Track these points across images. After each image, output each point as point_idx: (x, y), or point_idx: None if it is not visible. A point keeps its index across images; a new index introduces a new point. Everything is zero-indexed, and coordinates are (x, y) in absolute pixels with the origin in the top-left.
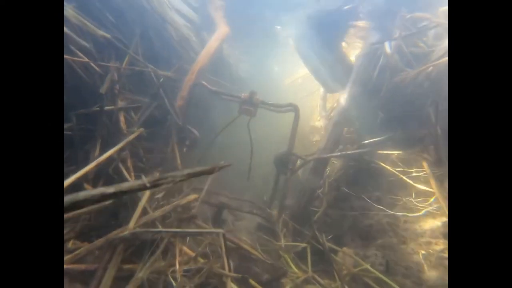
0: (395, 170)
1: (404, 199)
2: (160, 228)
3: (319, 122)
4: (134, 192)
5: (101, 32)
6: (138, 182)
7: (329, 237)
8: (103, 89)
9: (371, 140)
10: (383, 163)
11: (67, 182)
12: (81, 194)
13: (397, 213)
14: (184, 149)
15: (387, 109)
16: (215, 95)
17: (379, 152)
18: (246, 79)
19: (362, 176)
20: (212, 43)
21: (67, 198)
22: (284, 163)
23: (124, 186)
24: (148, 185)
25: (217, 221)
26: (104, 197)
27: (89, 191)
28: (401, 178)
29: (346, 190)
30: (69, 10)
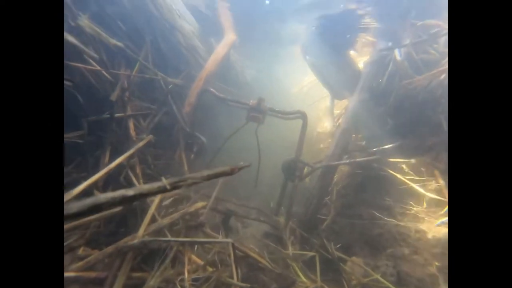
0: (405, 178)
1: (415, 208)
2: (170, 237)
3: (326, 128)
4: (154, 195)
5: (113, 41)
6: (158, 184)
7: (338, 245)
8: (113, 97)
9: (380, 147)
10: (393, 171)
11: (78, 189)
12: (102, 197)
13: (408, 224)
14: (192, 156)
15: (396, 116)
16: (223, 101)
17: (388, 159)
18: (252, 85)
19: (370, 184)
20: (220, 49)
21: (89, 201)
22: (291, 170)
23: (144, 188)
24: (168, 187)
25: (225, 228)
26: (125, 199)
27: (110, 194)
28: (412, 186)
29: (355, 198)
30: (84, 21)
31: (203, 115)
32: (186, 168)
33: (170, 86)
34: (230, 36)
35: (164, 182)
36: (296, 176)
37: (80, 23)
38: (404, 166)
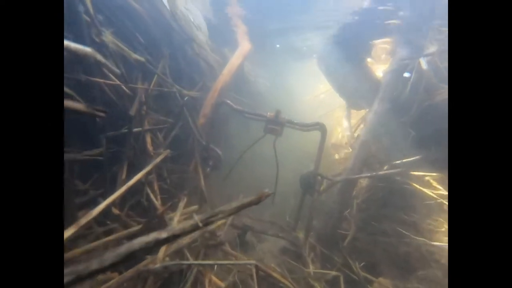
0: (432, 192)
1: (446, 226)
2: (192, 261)
3: (340, 139)
4: (188, 234)
5: (135, 56)
6: (191, 222)
7: (362, 264)
8: (132, 111)
9: (403, 159)
10: (418, 185)
11: (98, 209)
12: (136, 243)
13: (439, 243)
14: (208, 169)
15: (419, 127)
16: (240, 113)
17: (412, 173)
18: (265, 95)
19: (393, 198)
20: (234, 60)
21: (123, 250)
22: (310, 183)
23: (177, 229)
24: (200, 224)
25: (242, 244)
26: (158, 243)
27: (143, 239)
28: (441, 201)
29: (376, 213)
30: (108, 36)
31: (217, 126)
32: (202, 183)
33: (185, 98)
34: (244, 46)
35: (196, 219)
36: (315, 190)
37: (104, 38)
38: (430, 179)
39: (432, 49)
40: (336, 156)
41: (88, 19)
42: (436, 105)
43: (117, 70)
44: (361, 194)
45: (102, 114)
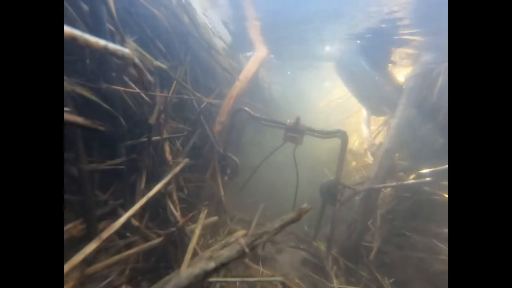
0: None
1: None
2: (218, 278)
3: (358, 146)
4: (235, 260)
5: (156, 63)
6: (237, 248)
7: (391, 280)
8: (152, 120)
9: (432, 168)
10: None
11: (119, 222)
12: (184, 277)
13: None
14: (225, 178)
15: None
16: (257, 121)
17: (443, 183)
18: (278, 101)
19: (422, 210)
20: (251, 66)
21: (170, 287)
22: (332, 193)
23: (224, 256)
24: (247, 250)
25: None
26: (207, 274)
27: (192, 271)
28: None
29: (404, 224)
30: (131, 43)
31: (233, 133)
32: (222, 192)
33: (202, 106)
34: (260, 52)
35: (242, 244)
36: (336, 199)
37: (127, 46)
38: None
39: None
40: (354, 163)
41: (112, 28)
42: None
43: (151, 78)
44: (385, 204)
45: (102, 128)
